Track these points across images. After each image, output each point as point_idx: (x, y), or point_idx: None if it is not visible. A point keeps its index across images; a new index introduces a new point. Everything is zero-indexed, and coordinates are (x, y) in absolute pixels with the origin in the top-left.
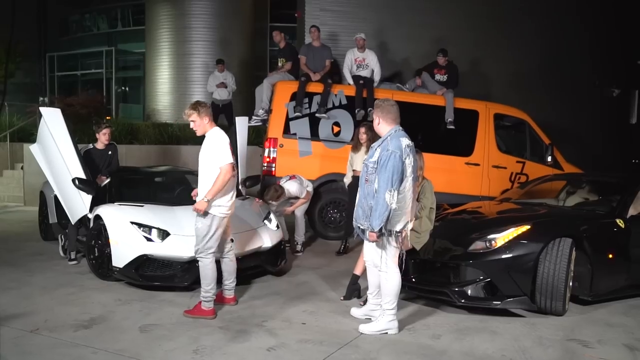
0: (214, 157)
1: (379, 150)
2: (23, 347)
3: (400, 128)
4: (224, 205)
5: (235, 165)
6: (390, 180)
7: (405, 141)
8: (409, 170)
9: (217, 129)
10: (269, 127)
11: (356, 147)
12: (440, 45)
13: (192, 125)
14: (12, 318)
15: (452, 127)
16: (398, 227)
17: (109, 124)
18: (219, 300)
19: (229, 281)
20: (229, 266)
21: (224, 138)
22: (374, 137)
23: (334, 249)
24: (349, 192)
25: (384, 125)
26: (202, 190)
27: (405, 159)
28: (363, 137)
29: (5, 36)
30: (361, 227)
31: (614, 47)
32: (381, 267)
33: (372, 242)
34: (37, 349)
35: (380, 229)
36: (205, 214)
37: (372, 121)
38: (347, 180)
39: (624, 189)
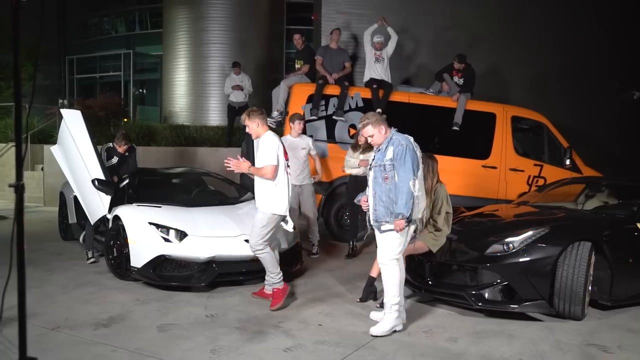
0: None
1: (391, 148)
2: (44, 344)
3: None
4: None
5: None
6: (412, 170)
7: (410, 136)
8: (420, 161)
9: (270, 132)
10: (285, 129)
11: (355, 147)
12: (458, 49)
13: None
14: (34, 316)
15: (456, 128)
16: (420, 214)
17: (129, 138)
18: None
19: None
20: None
21: (273, 141)
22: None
23: None
24: (347, 193)
25: (386, 130)
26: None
27: (416, 150)
28: (362, 139)
29: (27, 39)
30: (383, 225)
31: (633, 50)
32: (383, 260)
33: (399, 230)
34: (58, 346)
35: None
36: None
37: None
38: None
39: None
